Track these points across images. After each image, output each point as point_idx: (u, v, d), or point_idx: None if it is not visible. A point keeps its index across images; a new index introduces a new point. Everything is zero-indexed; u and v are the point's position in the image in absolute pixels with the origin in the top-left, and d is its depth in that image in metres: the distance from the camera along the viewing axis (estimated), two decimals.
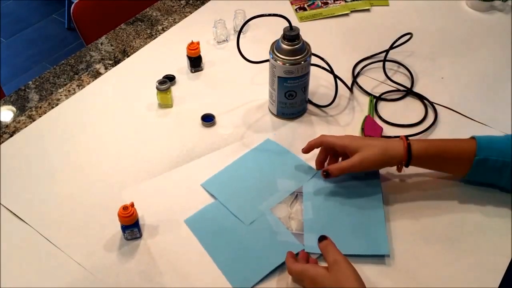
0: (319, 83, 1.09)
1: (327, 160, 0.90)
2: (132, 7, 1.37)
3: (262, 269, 0.77)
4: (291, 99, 0.98)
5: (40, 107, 1.06)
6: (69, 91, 1.10)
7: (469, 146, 0.83)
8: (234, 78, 1.12)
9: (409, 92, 1.06)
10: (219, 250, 0.80)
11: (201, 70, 1.13)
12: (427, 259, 0.79)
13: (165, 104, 1.05)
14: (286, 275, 0.77)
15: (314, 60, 1.00)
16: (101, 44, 1.22)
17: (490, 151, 0.81)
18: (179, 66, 1.14)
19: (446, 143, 0.85)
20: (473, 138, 0.84)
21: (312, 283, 0.71)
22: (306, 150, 0.89)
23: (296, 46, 0.92)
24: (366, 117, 0.99)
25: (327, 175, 0.85)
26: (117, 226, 0.82)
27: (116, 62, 1.17)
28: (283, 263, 0.77)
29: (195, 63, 1.12)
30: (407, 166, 0.84)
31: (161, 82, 1.03)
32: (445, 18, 1.27)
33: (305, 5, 1.30)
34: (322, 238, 0.76)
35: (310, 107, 1.04)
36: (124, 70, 1.15)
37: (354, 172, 0.86)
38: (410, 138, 0.85)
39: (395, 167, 0.86)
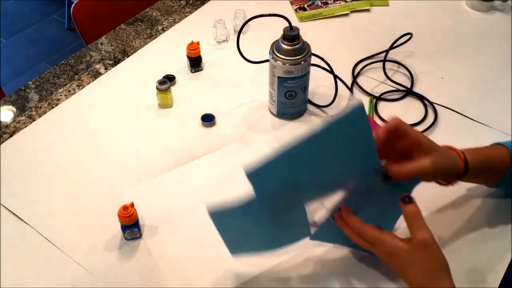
0: (319, 83, 1.09)
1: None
2: (132, 7, 1.37)
3: (265, 245, 0.75)
4: (291, 99, 0.98)
5: (40, 107, 1.06)
6: (69, 91, 1.10)
7: (503, 154, 0.78)
8: (234, 78, 1.12)
9: (409, 92, 1.06)
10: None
11: (201, 70, 1.13)
12: None
13: (165, 104, 1.05)
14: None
15: (314, 60, 1.00)
16: (101, 44, 1.22)
17: None
18: (179, 66, 1.14)
19: (487, 150, 0.78)
20: (501, 144, 0.79)
21: (388, 255, 0.66)
22: (384, 136, 0.69)
23: (296, 46, 0.92)
24: None
25: (387, 178, 0.69)
26: (117, 226, 0.82)
27: (116, 62, 1.17)
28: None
29: (195, 63, 1.12)
30: (460, 178, 0.75)
31: (161, 82, 1.03)
32: (445, 18, 1.27)
33: (305, 5, 1.30)
34: (408, 199, 0.65)
35: (310, 107, 1.04)
36: (124, 70, 1.15)
37: (418, 180, 0.71)
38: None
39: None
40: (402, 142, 0.70)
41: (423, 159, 0.68)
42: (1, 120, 1.05)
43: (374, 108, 1.03)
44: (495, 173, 0.79)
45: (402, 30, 1.13)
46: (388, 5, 1.31)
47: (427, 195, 0.88)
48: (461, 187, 0.88)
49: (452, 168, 0.73)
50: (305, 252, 0.80)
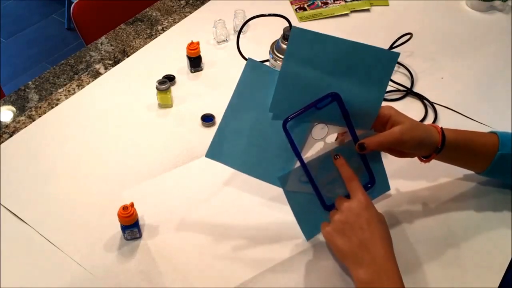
0: None
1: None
2: (132, 7, 1.37)
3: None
4: None
5: (40, 107, 1.06)
6: (69, 91, 1.10)
7: (491, 140, 0.81)
8: (234, 78, 1.11)
9: (409, 92, 1.06)
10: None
11: (201, 70, 1.13)
12: (427, 259, 0.79)
13: (165, 104, 1.05)
14: None
15: None
16: (101, 44, 1.22)
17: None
18: (179, 66, 1.14)
19: (472, 133, 0.81)
20: (493, 132, 0.82)
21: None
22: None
23: None
24: None
25: (362, 148, 0.75)
26: (117, 226, 0.82)
27: (116, 62, 1.17)
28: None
29: (195, 63, 1.12)
30: (438, 152, 0.78)
31: (161, 82, 1.03)
32: (445, 18, 1.27)
33: (305, 5, 1.30)
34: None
35: None
36: (124, 70, 1.15)
37: (389, 148, 0.77)
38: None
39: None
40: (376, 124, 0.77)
41: (393, 128, 0.75)
42: (1, 120, 1.05)
43: None
44: (479, 157, 0.81)
45: (402, 30, 1.13)
46: (388, 5, 1.31)
47: (427, 195, 0.88)
48: (461, 188, 0.88)
49: (427, 138, 0.77)
50: (304, 252, 0.80)
